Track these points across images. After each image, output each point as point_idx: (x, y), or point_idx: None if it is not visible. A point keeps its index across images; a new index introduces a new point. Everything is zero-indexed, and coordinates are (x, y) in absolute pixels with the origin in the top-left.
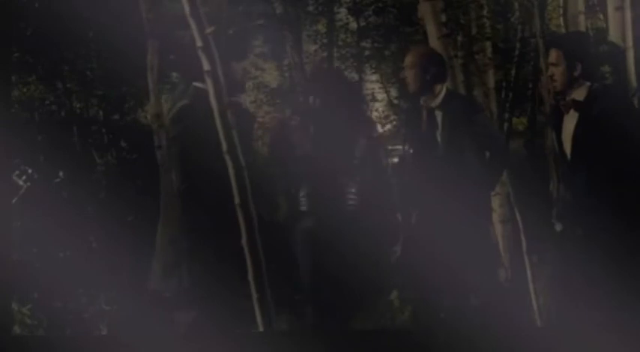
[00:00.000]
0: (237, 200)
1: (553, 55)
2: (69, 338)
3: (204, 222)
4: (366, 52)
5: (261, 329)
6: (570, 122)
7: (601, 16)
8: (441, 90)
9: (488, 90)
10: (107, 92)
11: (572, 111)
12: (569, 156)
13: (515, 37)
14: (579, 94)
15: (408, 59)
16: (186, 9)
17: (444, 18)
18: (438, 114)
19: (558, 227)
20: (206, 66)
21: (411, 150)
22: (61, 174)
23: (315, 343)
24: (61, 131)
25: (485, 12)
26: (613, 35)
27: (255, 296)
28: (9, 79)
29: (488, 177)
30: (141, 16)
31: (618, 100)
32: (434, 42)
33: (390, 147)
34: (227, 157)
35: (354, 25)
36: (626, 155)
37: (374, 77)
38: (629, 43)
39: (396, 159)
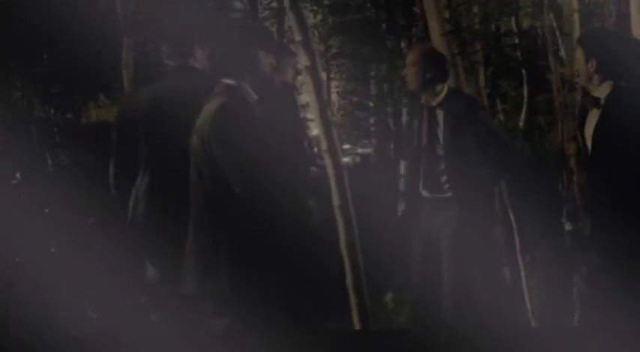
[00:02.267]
0: (336, 201)
1: (580, 51)
2: (69, 339)
3: (258, 224)
4: (333, 50)
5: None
6: (592, 119)
7: (551, 15)
8: (443, 88)
9: (480, 89)
10: (60, 90)
11: (594, 109)
12: (589, 153)
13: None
14: (601, 91)
15: (410, 57)
16: (286, 2)
17: (447, 15)
18: (439, 113)
19: (568, 226)
20: (305, 61)
21: (412, 149)
22: (18, 175)
23: (316, 343)
24: (13, 131)
25: (476, 10)
26: (636, 34)
27: (353, 300)
28: (8, 79)
29: (492, 176)
30: (99, 11)
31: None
32: (437, 39)
33: (344, 147)
34: (326, 156)
35: (313, 22)
36: None
37: (339, 75)
38: None
39: (347, 159)
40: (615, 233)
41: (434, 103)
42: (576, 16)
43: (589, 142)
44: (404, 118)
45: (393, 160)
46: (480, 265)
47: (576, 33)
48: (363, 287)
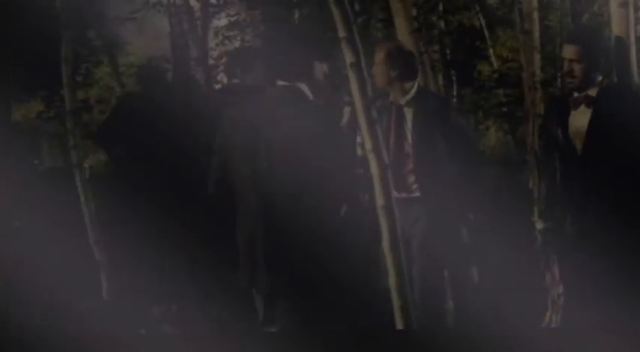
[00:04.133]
0: (380, 202)
1: (573, 50)
2: (69, 338)
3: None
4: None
5: None
6: (580, 118)
7: (480, 16)
8: (412, 87)
9: (440, 87)
10: None
11: (582, 107)
12: (579, 152)
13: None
14: (592, 90)
15: (377, 55)
16: None
17: (414, 12)
18: (408, 111)
19: (539, 224)
20: (350, 58)
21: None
22: None
23: (316, 343)
24: None
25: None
26: (616, 32)
27: (396, 303)
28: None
29: (461, 175)
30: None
31: (631, 96)
32: (404, 37)
33: None
34: (371, 156)
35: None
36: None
37: None
38: (632, 38)
39: None
40: (615, 233)
41: (402, 102)
42: (536, 14)
43: (578, 141)
44: (345, 118)
45: None
46: (450, 265)
47: (536, 31)
48: (407, 288)
